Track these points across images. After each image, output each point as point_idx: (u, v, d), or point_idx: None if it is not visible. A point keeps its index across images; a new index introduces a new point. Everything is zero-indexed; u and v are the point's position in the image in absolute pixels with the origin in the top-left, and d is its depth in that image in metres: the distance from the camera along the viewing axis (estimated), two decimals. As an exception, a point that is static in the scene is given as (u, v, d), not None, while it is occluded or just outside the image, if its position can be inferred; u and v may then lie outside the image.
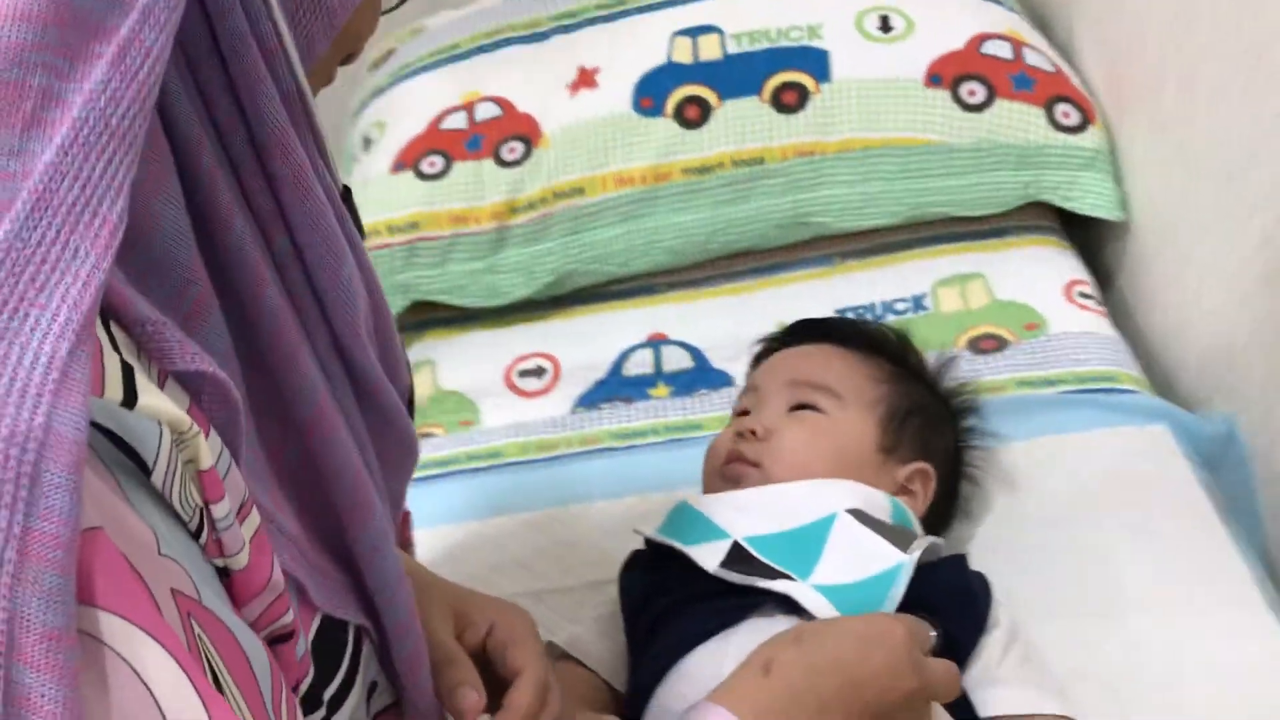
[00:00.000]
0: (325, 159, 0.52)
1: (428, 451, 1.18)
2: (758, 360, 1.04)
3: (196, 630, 0.40)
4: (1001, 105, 1.24)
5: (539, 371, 1.25)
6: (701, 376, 1.21)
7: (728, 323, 1.26)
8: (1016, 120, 1.24)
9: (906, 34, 1.27)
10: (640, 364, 1.23)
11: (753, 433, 0.88)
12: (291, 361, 0.50)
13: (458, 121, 1.32)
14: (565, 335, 1.28)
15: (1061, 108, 1.25)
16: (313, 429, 0.51)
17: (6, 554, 0.33)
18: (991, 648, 0.79)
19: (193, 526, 0.43)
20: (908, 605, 0.76)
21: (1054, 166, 1.25)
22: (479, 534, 1.06)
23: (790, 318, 1.24)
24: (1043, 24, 1.40)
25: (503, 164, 1.27)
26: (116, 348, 0.40)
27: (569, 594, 0.98)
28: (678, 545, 0.83)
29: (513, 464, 1.14)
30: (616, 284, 1.32)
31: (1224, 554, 0.94)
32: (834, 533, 0.80)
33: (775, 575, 0.78)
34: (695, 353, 1.24)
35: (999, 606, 0.82)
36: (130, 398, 0.39)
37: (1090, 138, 1.24)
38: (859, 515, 0.81)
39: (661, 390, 1.21)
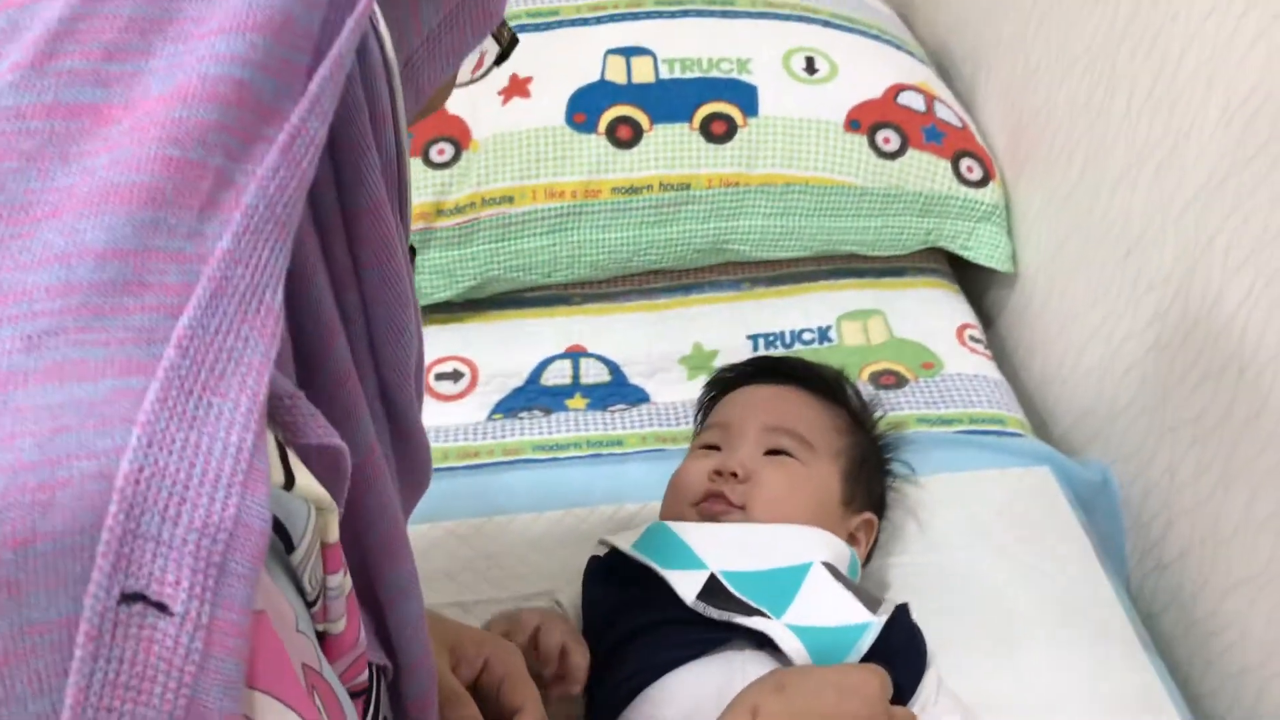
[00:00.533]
0: (406, 220, 0.53)
1: (346, 451, 1.17)
2: (716, 391, 1.07)
3: (318, 703, 0.42)
4: (913, 155, 1.32)
5: (456, 375, 1.26)
6: (618, 391, 1.25)
7: (643, 338, 1.29)
8: (925, 170, 1.32)
9: (830, 77, 1.34)
10: (559, 374, 1.26)
11: (734, 474, 0.91)
12: (350, 410, 0.51)
13: (385, 116, 1.30)
14: (483, 340, 1.29)
15: (966, 162, 1.34)
16: (361, 473, 0.52)
17: (194, 644, 0.34)
18: (928, 688, 0.87)
19: (312, 598, 0.44)
20: (867, 654, 0.82)
21: (954, 216, 1.34)
22: (413, 540, 1.06)
23: (706, 339, 1.30)
24: (946, 76, 1.49)
25: (431, 165, 1.27)
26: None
27: (498, 606, 1.00)
28: (655, 567, 0.86)
29: (434, 470, 1.15)
30: (533, 291, 1.34)
31: (1101, 591, 1.03)
32: (808, 580, 0.85)
33: (751, 612, 0.82)
34: (613, 367, 1.27)
35: (929, 652, 0.90)
36: (289, 479, 0.40)
37: (989, 193, 1.34)
38: (831, 569, 0.86)
39: (579, 402, 1.23)
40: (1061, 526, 1.09)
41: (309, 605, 0.44)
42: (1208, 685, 1.01)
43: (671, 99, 1.30)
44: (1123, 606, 1.02)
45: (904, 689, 0.85)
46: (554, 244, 1.28)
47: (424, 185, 1.26)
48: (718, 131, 1.30)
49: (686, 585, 0.84)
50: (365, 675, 0.48)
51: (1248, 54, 0.90)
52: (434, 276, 1.27)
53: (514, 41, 0.56)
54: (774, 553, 0.87)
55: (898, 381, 1.25)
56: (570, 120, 1.29)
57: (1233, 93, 0.92)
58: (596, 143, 1.28)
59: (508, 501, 1.10)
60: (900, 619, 0.87)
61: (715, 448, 0.96)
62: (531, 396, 1.24)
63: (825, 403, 1.00)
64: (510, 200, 1.27)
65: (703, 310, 1.33)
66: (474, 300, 1.32)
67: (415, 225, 1.26)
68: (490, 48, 0.57)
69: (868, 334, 1.31)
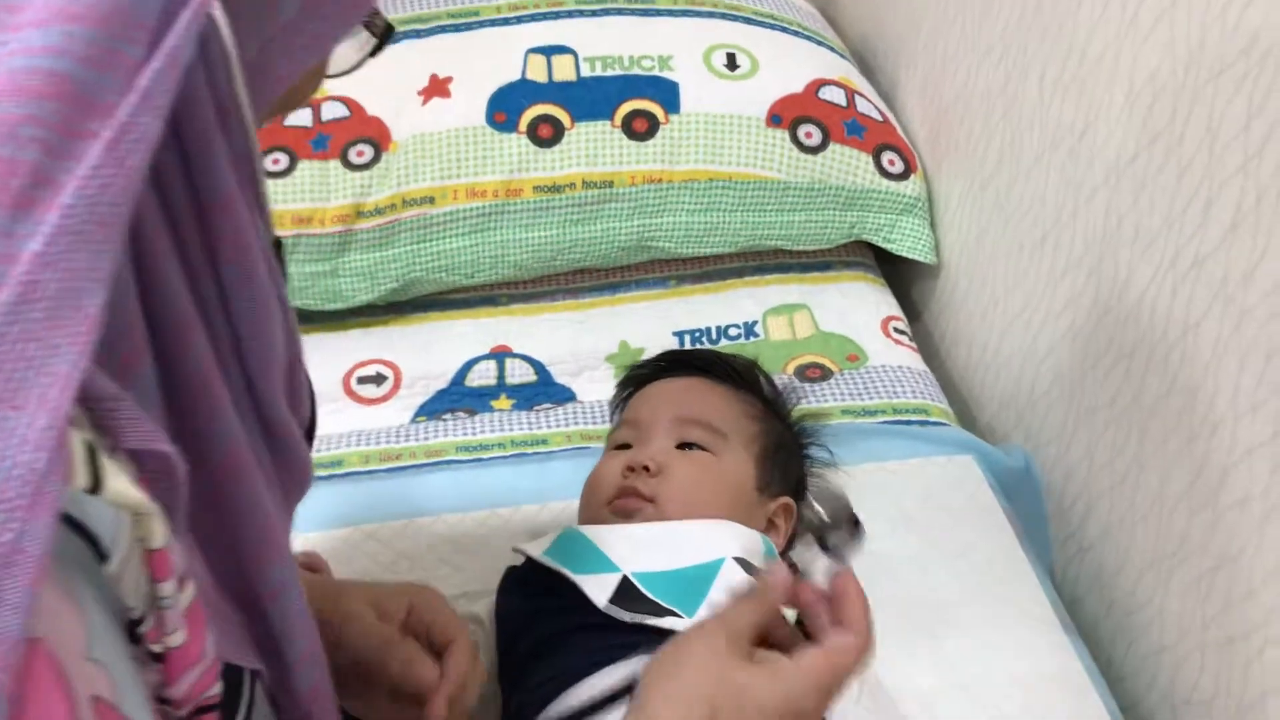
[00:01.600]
0: (264, 214, 0.52)
1: (265, 456, 1.15)
2: (627, 389, 1.07)
3: None
4: (834, 149, 1.32)
5: (379, 379, 1.24)
6: (545, 391, 1.24)
7: (569, 338, 1.29)
8: (847, 164, 1.32)
9: (751, 73, 1.34)
10: (483, 375, 1.25)
11: (645, 468, 0.90)
12: (212, 406, 0.49)
13: (303, 119, 1.29)
14: (406, 343, 1.28)
15: (887, 155, 1.34)
16: (226, 471, 0.51)
17: None
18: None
19: (138, 614, 0.41)
20: None
21: (877, 209, 1.34)
22: (321, 546, 1.04)
23: (632, 337, 1.29)
24: (867, 71, 1.50)
25: (350, 167, 1.26)
26: (77, 424, 0.38)
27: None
28: (567, 573, 0.84)
29: (355, 474, 1.14)
30: (458, 293, 1.32)
31: (1024, 576, 1.04)
32: (720, 576, 0.83)
33: (663, 613, 0.81)
34: (538, 366, 1.26)
35: None
36: (96, 482, 0.38)
37: (911, 186, 1.34)
38: (743, 563, 0.85)
39: (504, 403, 1.22)
40: (984, 513, 1.10)
41: (137, 623, 0.42)
42: (1129, 666, 1.02)
43: (593, 97, 1.30)
44: (1044, 591, 1.03)
45: None
46: (476, 244, 1.27)
47: (343, 187, 1.25)
48: (640, 129, 1.29)
49: (598, 589, 0.83)
50: (217, 689, 0.47)
51: (1150, 35, 0.91)
52: (355, 279, 1.26)
53: (389, 31, 0.54)
54: (686, 551, 0.86)
55: (823, 374, 1.25)
56: (491, 120, 1.28)
57: (1137, 74, 0.93)
58: (518, 142, 1.27)
59: (430, 503, 1.09)
60: None
61: (628, 446, 0.96)
62: (456, 398, 1.23)
63: (736, 391, 0.99)
64: (431, 201, 1.25)
65: (629, 308, 1.33)
66: (398, 303, 1.31)
67: (335, 228, 1.24)
68: (366, 39, 0.56)
69: (793, 328, 1.31)
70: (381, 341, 1.28)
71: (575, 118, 1.29)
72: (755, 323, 1.31)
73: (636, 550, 0.87)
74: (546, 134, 1.28)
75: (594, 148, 1.28)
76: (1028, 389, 1.17)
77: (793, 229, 1.34)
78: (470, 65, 1.32)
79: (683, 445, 0.94)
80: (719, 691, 0.61)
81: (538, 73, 1.31)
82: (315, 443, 1.16)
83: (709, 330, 1.30)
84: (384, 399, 1.23)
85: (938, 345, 1.37)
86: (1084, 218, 1.02)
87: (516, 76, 1.31)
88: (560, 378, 1.25)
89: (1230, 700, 0.87)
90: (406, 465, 1.14)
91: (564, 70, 1.32)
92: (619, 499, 0.91)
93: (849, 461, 1.12)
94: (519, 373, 1.25)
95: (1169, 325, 0.91)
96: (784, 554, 0.99)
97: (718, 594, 0.84)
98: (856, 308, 1.34)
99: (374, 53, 0.55)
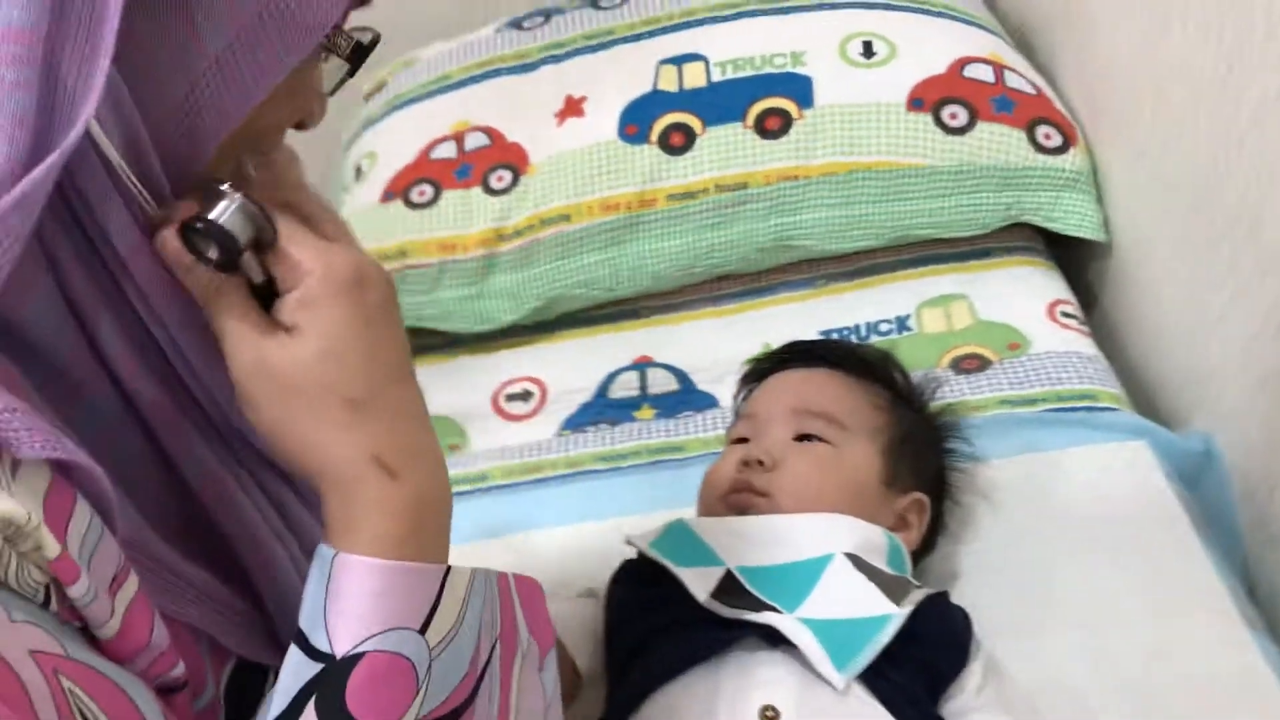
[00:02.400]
0: None
1: (415, 475, 1.19)
2: (748, 383, 1.04)
3: (66, 685, 0.41)
4: (983, 128, 1.25)
5: (525, 395, 1.26)
6: (687, 398, 1.22)
7: (713, 345, 1.27)
8: (998, 143, 1.25)
9: (889, 59, 1.29)
10: (626, 386, 1.25)
11: (760, 462, 0.88)
12: (173, 433, 0.51)
13: (447, 151, 1.34)
14: (552, 359, 1.29)
15: (1043, 129, 1.26)
16: (205, 494, 0.52)
17: None
18: (971, 679, 0.80)
19: (39, 600, 0.43)
20: (895, 644, 0.76)
21: (1035, 188, 1.26)
22: (462, 556, 1.06)
23: (775, 339, 1.25)
24: (1026, 48, 1.41)
25: (491, 192, 1.29)
26: None
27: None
28: (669, 565, 0.83)
29: (498, 487, 1.16)
30: (602, 308, 1.33)
31: (1199, 568, 0.94)
32: (828, 572, 0.80)
33: (762, 607, 0.78)
34: (680, 375, 1.25)
35: (977, 640, 0.83)
36: None
37: (1071, 159, 1.25)
38: (856, 560, 0.81)
39: (646, 412, 1.22)
40: (1155, 502, 1.00)
41: (45, 605, 0.43)
42: (1333, 666, 0.89)
43: (723, 100, 1.28)
44: (1224, 583, 0.92)
45: (944, 677, 0.79)
46: (613, 257, 1.27)
47: (484, 213, 1.28)
48: (772, 127, 1.27)
49: (700, 583, 0.81)
50: (177, 673, 0.48)
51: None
52: (500, 300, 1.29)
53: (359, 50, 0.52)
54: (795, 545, 0.83)
55: (981, 365, 1.18)
56: (623, 133, 1.29)
57: None
58: (649, 152, 1.27)
59: (566, 513, 1.09)
60: (931, 608, 0.80)
61: (746, 440, 0.93)
62: (599, 410, 1.23)
63: (861, 381, 0.95)
64: (567, 218, 1.27)
65: (774, 311, 1.29)
66: (545, 322, 1.33)
67: (477, 252, 1.28)
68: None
69: (950, 319, 1.24)
70: (529, 359, 1.30)
71: (706, 123, 1.28)
72: (908, 316, 1.25)
73: (743, 544, 0.84)
74: (678, 142, 1.27)
75: (726, 151, 1.26)
76: (1202, 364, 1.06)
77: (943, 216, 1.27)
78: (604, 83, 1.33)
79: (801, 437, 0.91)
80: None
81: (669, 83, 1.31)
82: (462, 459, 1.19)
83: (857, 328, 1.25)
84: (530, 415, 1.24)
85: (1114, 328, 1.27)
86: (1234, 172, 0.92)
87: (648, 89, 1.31)
88: (703, 385, 1.23)
89: None
90: (548, 477, 1.15)
91: (695, 77, 1.31)
92: (733, 494, 0.89)
93: (1004, 454, 1.05)
94: (661, 382, 1.24)
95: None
96: (918, 554, 0.93)
97: (824, 590, 0.80)
98: (1020, 294, 1.25)
99: (350, 73, 0.55)
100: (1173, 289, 1.11)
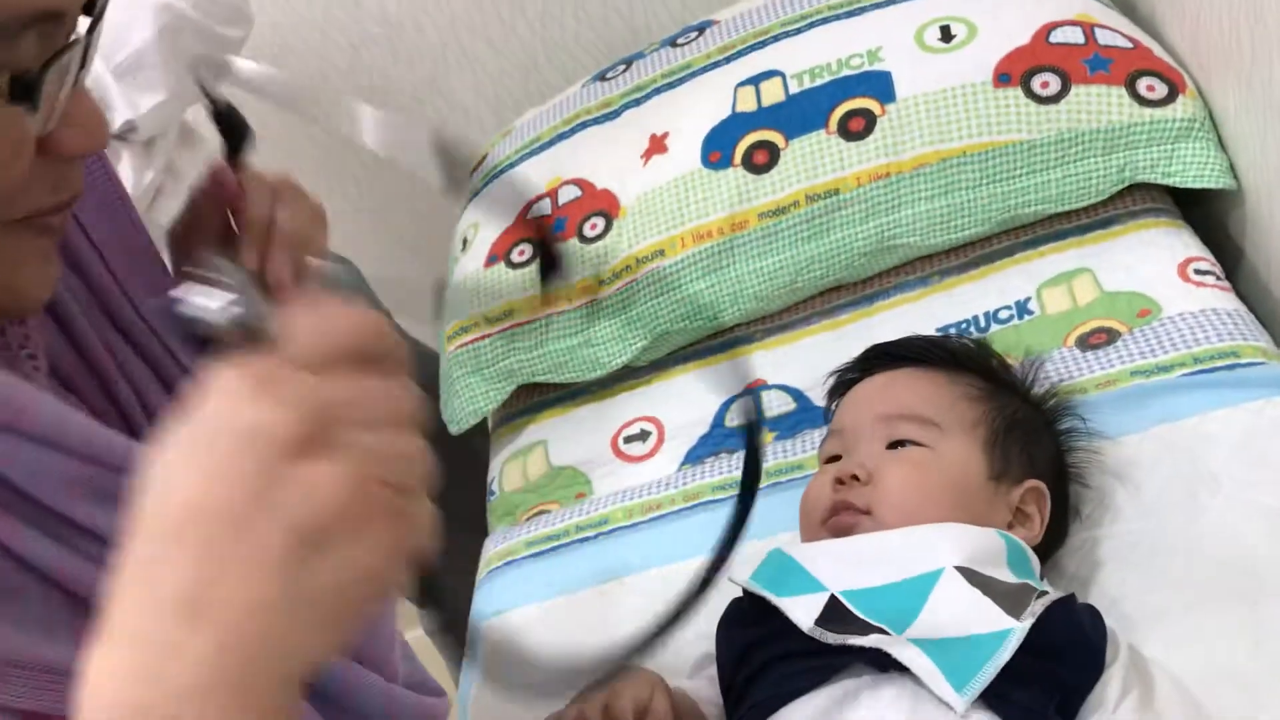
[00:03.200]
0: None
1: (540, 528, 1.20)
2: (835, 396, 1.01)
3: None
4: (1078, 91, 1.18)
5: (644, 435, 1.25)
6: (805, 417, 1.19)
7: (828, 358, 1.21)
8: (1096, 103, 1.18)
9: (969, 40, 1.24)
10: (741, 413, 1.22)
11: (854, 477, 0.85)
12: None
13: (543, 208, 1.36)
14: (667, 396, 1.28)
15: (1145, 82, 1.18)
16: None
17: None
18: (1110, 689, 0.73)
19: None
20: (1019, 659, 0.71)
21: (1145, 144, 1.18)
22: (584, 603, 1.06)
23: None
24: (1123, 3, 1.33)
25: (586, 240, 1.30)
26: None
27: (676, 654, 0.96)
28: (770, 597, 0.80)
29: (619, 529, 1.15)
30: (714, 338, 1.31)
31: (1372, 523, 0.84)
32: (938, 589, 0.76)
33: (869, 630, 0.75)
34: (796, 394, 1.21)
35: (1115, 641, 0.76)
36: None
37: (1182, 108, 1.17)
38: (968, 573, 0.77)
39: (766, 436, 1.19)
40: (1316, 456, 0.90)
41: None
42: None
43: (804, 110, 1.26)
44: (1404, 536, 0.82)
45: (1072, 696, 0.72)
46: (712, 285, 1.26)
47: (582, 262, 1.29)
48: (856, 128, 1.23)
49: (803, 611, 0.77)
50: None
51: None
52: (608, 345, 1.29)
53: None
54: (900, 563, 0.79)
55: (1109, 338, 1.10)
56: (706, 161, 1.28)
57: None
58: (735, 175, 1.25)
59: (684, 547, 1.08)
60: (1057, 615, 0.74)
61: (838, 457, 0.89)
62: (717, 441, 1.21)
63: (950, 374, 0.90)
64: (662, 254, 1.26)
65: (887, 315, 1.25)
66: (658, 361, 1.32)
67: (580, 300, 1.28)
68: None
69: (1074, 296, 1.17)
70: (645, 400, 1.29)
71: (789, 136, 1.25)
72: (1028, 300, 1.19)
73: (846, 567, 0.80)
74: (762, 160, 1.25)
75: (812, 160, 1.23)
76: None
77: (1050, 189, 1.20)
78: (685, 115, 1.33)
79: (894, 444, 0.86)
80: None
81: (747, 103, 1.30)
82: (586, 505, 1.19)
83: (975, 319, 1.19)
84: (650, 454, 1.23)
85: (1258, 278, 1.16)
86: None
87: (727, 113, 1.30)
88: (820, 401, 1.19)
89: None
90: (666, 513, 1.14)
91: (773, 94, 1.29)
92: (833, 516, 0.85)
93: (1138, 428, 0.98)
94: (777, 404, 1.21)
95: None
96: (1042, 548, 0.87)
97: (934, 608, 0.76)
98: (1147, 258, 1.17)
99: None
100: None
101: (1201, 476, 0.92)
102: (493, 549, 1.21)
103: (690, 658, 0.91)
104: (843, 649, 0.74)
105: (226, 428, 0.38)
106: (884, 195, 1.22)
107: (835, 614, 0.77)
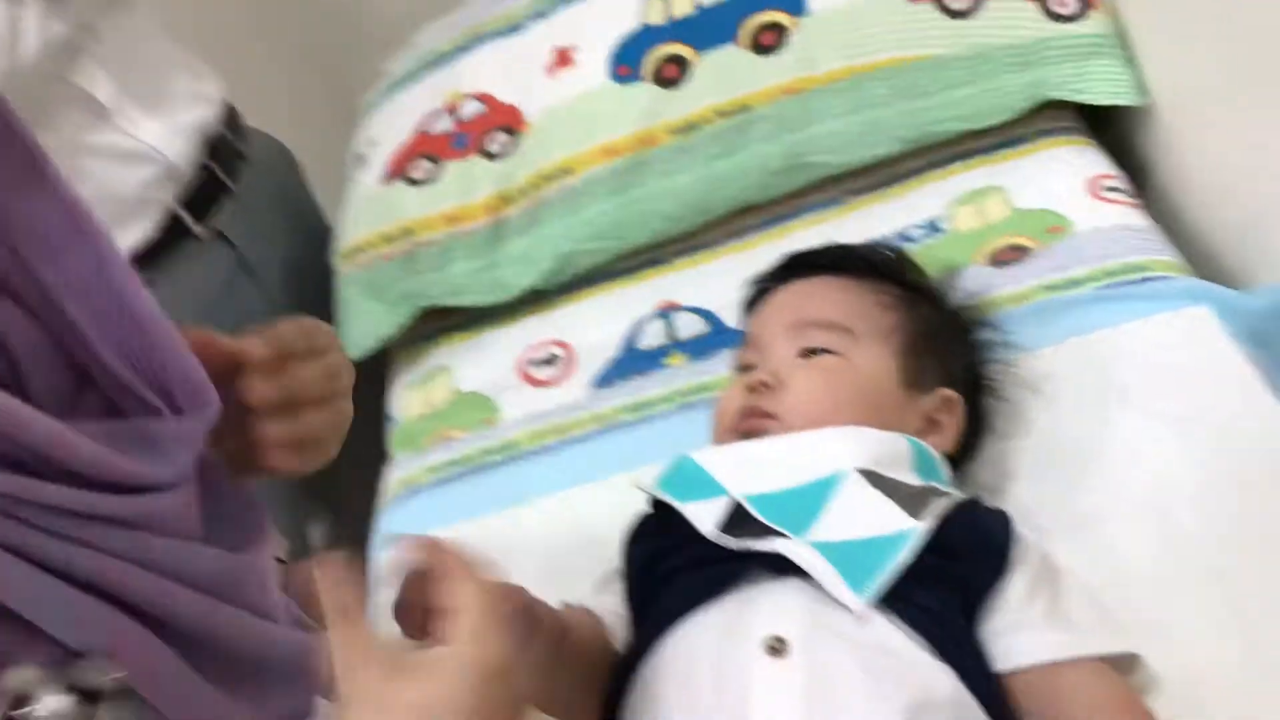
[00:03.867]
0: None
1: (445, 454, 1.16)
2: (750, 306, 0.99)
3: None
4: (991, 6, 1.17)
5: (552, 359, 1.22)
6: (718, 339, 1.16)
7: (739, 281, 1.19)
8: (1009, 19, 1.16)
9: (881, -48, 1.21)
10: (654, 335, 1.19)
11: (765, 384, 0.83)
12: None
13: (443, 124, 1.31)
14: (576, 319, 1.25)
15: (1056, -3, 1.17)
16: None
17: None
18: (1013, 590, 0.71)
19: None
20: (922, 561, 0.69)
21: (1057, 61, 1.17)
22: (491, 528, 1.03)
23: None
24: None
25: (490, 157, 1.25)
26: None
27: (587, 574, 0.94)
28: (673, 502, 0.78)
29: (528, 453, 1.11)
30: (623, 260, 1.28)
31: (1276, 432, 0.85)
32: (840, 491, 0.74)
33: (769, 534, 0.72)
34: (709, 316, 1.19)
35: (1025, 545, 0.74)
36: None
37: (1092, 24, 1.16)
38: (871, 476, 0.75)
39: (677, 359, 1.16)
40: (1223, 368, 0.91)
41: None
42: None
43: (714, 23, 1.22)
44: (1310, 445, 0.83)
45: (975, 596, 0.71)
46: (621, 204, 1.22)
47: (486, 179, 1.24)
48: (768, 42, 1.20)
49: (707, 516, 0.75)
50: None
51: None
52: (514, 266, 1.25)
53: None
54: (803, 466, 0.77)
55: (1020, 255, 1.10)
56: (614, 75, 1.23)
57: None
58: (644, 90, 1.22)
59: (597, 469, 1.05)
60: (961, 517, 0.73)
61: (752, 366, 0.87)
62: (629, 364, 1.18)
63: (867, 282, 0.88)
64: (569, 171, 1.22)
65: (799, 236, 1.22)
66: (566, 284, 1.28)
67: (484, 219, 1.24)
68: None
69: (984, 214, 1.16)
70: (552, 323, 1.25)
71: (699, 49, 1.22)
72: (939, 218, 1.17)
73: (750, 471, 0.78)
74: (672, 74, 1.22)
75: (722, 75, 1.20)
76: (1261, 209, 0.96)
77: (964, 107, 1.19)
78: (590, 28, 1.28)
79: (806, 352, 0.85)
80: None
81: (655, 15, 1.25)
82: (493, 431, 1.15)
83: (886, 239, 1.18)
84: (560, 379, 1.20)
85: (1167, 195, 1.17)
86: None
87: (635, 25, 1.25)
88: (733, 322, 1.17)
89: None
90: (576, 436, 1.11)
91: (682, 6, 1.25)
92: (741, 421, 0.83)
93: (1050, 341, 0.98)
94: (689, 326, 1.19)
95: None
96: (955, 459, 0.86)
97: (835, 510, 0.74)
98: (1058, 176, 1.16)
99: None
100: (1219, 137, 1.02)
101: (1113, 388, 0.92)
102: (395, 477, 1.17)
103: (594, 575, 0.89)
104: (744, 554, 0.72)
105: None
106: (796, 111, 1.19)
107: (738, 519, 0.75)
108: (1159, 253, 1.04)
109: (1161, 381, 0.91)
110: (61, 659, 0.48)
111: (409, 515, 1.09)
